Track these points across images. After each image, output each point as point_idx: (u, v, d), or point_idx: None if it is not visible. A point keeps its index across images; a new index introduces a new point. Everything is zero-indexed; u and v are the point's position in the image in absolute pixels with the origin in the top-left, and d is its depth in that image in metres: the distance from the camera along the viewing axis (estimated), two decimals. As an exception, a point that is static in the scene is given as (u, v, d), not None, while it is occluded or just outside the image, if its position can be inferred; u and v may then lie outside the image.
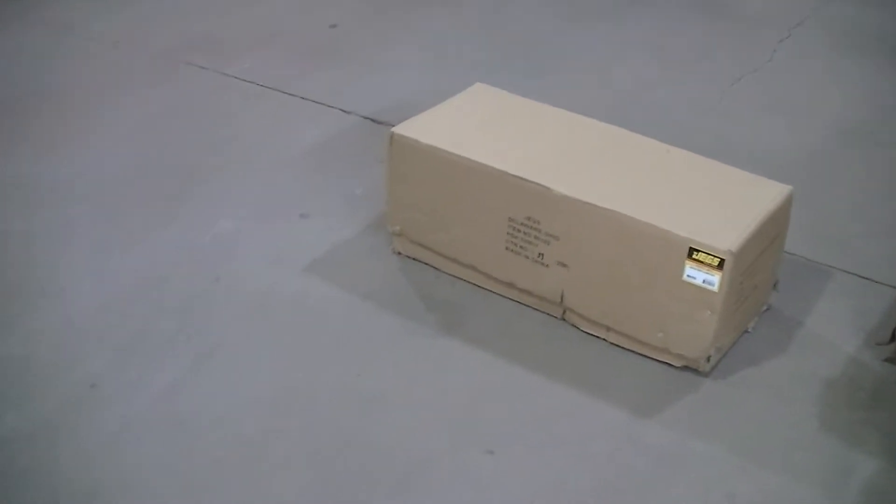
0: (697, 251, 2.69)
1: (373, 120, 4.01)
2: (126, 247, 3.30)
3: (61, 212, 3.48)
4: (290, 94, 4.19)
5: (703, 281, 2.70)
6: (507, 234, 2.97)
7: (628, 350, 2.94)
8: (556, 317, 3.04)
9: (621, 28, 4.96)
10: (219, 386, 2.81)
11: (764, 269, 2.93)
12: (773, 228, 2.89)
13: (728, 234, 2.70)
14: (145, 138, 3.89)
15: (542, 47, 4.71)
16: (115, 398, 2.76)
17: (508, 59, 4.58)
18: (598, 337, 2.98)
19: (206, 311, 3.05)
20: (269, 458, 2.61)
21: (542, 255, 2.93)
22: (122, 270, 3.20)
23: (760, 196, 2.88)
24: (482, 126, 3.16)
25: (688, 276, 2.72)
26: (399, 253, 3.26)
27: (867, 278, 3.28)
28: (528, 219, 2.91)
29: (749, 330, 3.04)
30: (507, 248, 2.99)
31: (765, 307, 3.10)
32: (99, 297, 3.10)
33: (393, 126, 3.17)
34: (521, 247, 2.96)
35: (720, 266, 2.67)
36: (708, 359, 2.83)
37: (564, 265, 2.91)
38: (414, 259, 3.24)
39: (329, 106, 4.11)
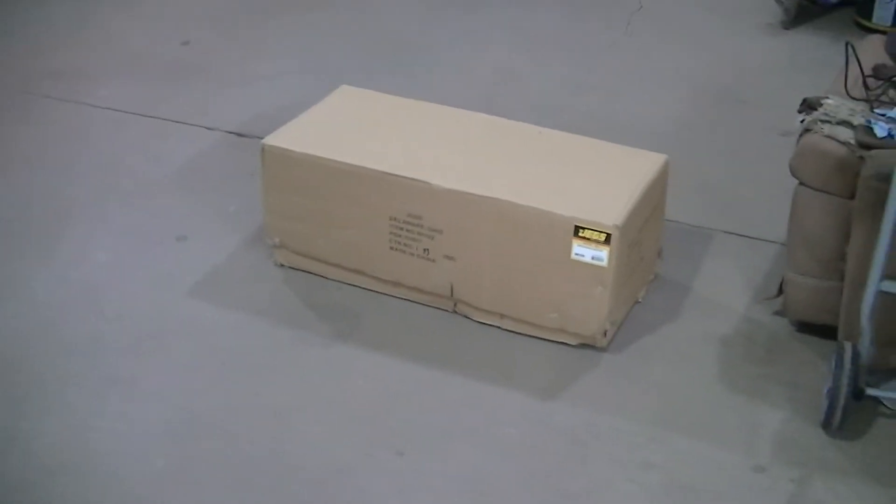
0: (583, 229, 2.70)
1: (238, 134, 3.95)
2: (2, 292, 3.20)
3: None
4: (151, 117, 4.10)
5: (592, 257, 2.71)
6: (391, 233, 2.94)
7: (524, 335, 2.93)
8: (447, 310, 3.02)
9: (483, 16, 4.97)
10: (122, 421, 2.73)
11: (648, 239, 2.95)
12: (654, 198, 2.91)
13: (611, 209, 2.71)
14: (9, 176, 3.76)
15: (406, 42, 4.70)
16: (12, 451, 2.66)
17: (373, 59, 4.55)
18: (492, 325, 2.97)
19: (97, 348, 2.96)
20: (184, 485, 2.55)
21: (428, 250, 2.91)
22: (2, 318, 3.10)
23: (638, 168, 2.90)
24: (353, 128, 3.13)
25: (576, 254, 2.73)
26: (282, 265, 3.21)
27: (748, 236, 3.34)
28: (410, 216, 2.89)
29: (640, 300, 3.06)
30: (391, 248, 2.96)
31: (652, 277, 3.12)
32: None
33: (259, 138, 3.13)
34: (405, 244, 2.94)
35: (607, 241, 2.68)
36: (604, 333, 2.84)
37: (451, 258, 2.90)
38: (298, 269, 3.19)
39: (192, 125, 4.03)
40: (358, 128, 3.13)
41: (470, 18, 4.95)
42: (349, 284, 3.13)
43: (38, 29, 4.88)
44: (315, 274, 3.17)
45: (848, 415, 2.56)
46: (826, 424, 2.60)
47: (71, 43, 4.74)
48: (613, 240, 2.68)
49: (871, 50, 3.11)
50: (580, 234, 2.70)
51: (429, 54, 4.59)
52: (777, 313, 2.98)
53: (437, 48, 4.65)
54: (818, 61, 4.41)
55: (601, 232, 2.68)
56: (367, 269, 3.06)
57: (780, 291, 2.93)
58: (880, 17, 4.67)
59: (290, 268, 3.20)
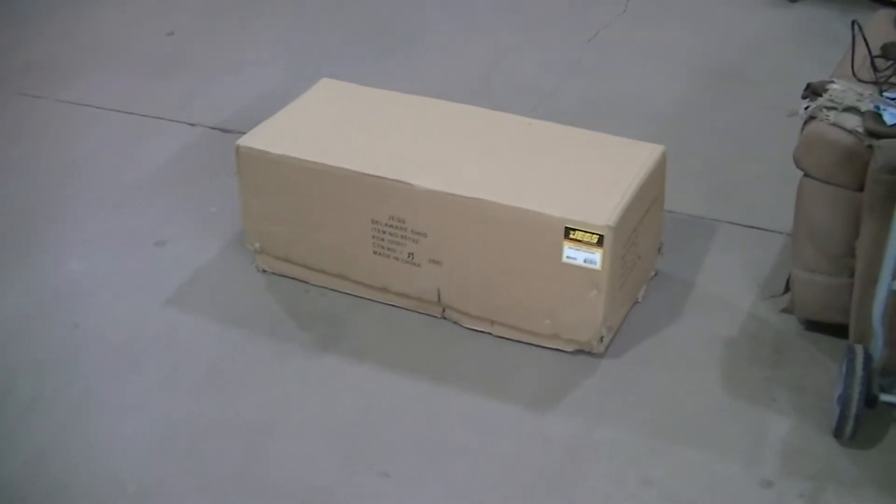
0: (574, 230, 2.53)
1: (221, 129, 3.79)
2: (-30, 302, 3.06)
3: None
4: (130, 113, 3.95)
5: (585, 260, 2.55)
6: (373, 237, 2.79)
7: (517, 341, 2.78)
8: (436, 316, 2.87)
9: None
10: (93, 440, 2.60)
11: (646, 235, 2.79)
12: (651, 192, 2.75)
13: (603, 208, 2.55)
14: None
15: (391, 28, 4.53)
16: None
17: (359, 43, 4.39)
18: (483, 332, 2.81)
19: (69, 362, 2.83)
20: (174, 490, 2.44)
21: (412, 254, 2.75)
22: (-31, 330, 2.97)
23: (632, 161, 2.74)
24: (333, 125, 2.97)
25: (567, 257, 2.57)
26: (264, 270, 3.06)
27: (752, 227, 3.18)
28: (392, 218, 2.73)
29: (639, 300, 2.90)
30: (375, 252, 2.81)
31: (652, 273, 2.96)
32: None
33: (243, 133, 2.98)
34: (389, 249, 2.79)
35: (600, 243, 2.52)
36: (601, 339, 2.68)
37: (437, 262, 2.74)
38: (280, 275, 3.04)
39: (174, 120, 3.88)
40: (338, 125, 2.97)
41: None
42: (333, 290, 2.98)
43: (9, 20, 4.73)
44: (298, 279, 3.02)
45: (861, 423, 2.40)
46: (838, 433, 2.44)
47: (46, 37, 4.59)
48: (606, 241, 2.52)
49: (881, 27, 2.94)
50: (571, 236, 2.54)
51: (416, 36, 4.43)
52: (784, 311, 2.82)
53: (424, 30, 4.48)
54: (826, 35, 4.23)
55: (593, 233, 2.52)
56: (351, 275, 2.91)
57: (788, 288, 2.77)
58: (891, -13, 4.48)
59: (273, 273, 3.05)
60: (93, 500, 2.45)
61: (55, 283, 3.11)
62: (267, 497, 2.43)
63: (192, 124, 3.85)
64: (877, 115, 2.50)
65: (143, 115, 3.93)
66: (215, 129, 3.81)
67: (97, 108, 4.00)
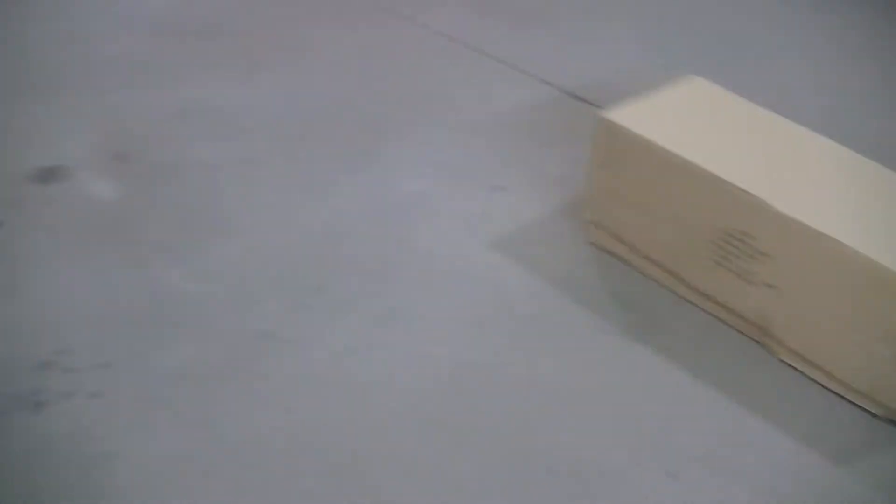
0: (925, 299, 2.49)
1: (573, 95, 3.84)
2: (308, 192, 3.20)
3: (244, 144, 3.39)
4: (486, 55, 4.02)
5: (927, 331, 2.50)
6: (716, 244, 2.79)
7: (824, 387, 2.74)
8: (751, 338, 2.86)
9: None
10: (396, 352, 2.71)
11: None
12: None
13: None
14: (338, 80, 3.77)
15: (740, 41, 4.47)
16: (288, 352, 2.68)
17: (712, 53, 4.31)
18: (794, 368, 2.79)
19: (387, 274, 2.94)
20: (448, 433, 2.51)
21: (750, 272, 2.75)
22: (303, 217, 3.11)
23: None
24: (696, 124, 2.97)
25: (909, 322, 2.52)
26: (593, 244, 3.10)
27: None
28: (741, 232, 2.73)
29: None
30: (711, 259, 2.82)
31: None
32: (277, 241, 3.01)
33: (595, 106, 3.01)
34: (728, 260, 2.78)
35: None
36: (917, 412, 2.63)
37: (772, 287, 2.73)
38: (608, 252, 3.08)
39: (526, 73, 3.94)
40: (701, 125, 2.96)
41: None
42: (656, 281, 3.00)
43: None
44: (623, 261, 3.05)
45: None
46: None
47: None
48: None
49: None
50: (919, 304, 2.49)
51: (765, 57, 4.35)
52: None
53: (775, 51, 4.40)
54: None
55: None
56: (681, 273, 2.92)
57: None
58: None
59: (601, 249, 3.09)
60: (385, 400, 2.56)
61: (389, 198, 3.23)
62: (550, 470, 2.47)
63: (545, 81, 3.89)
64: None
65: (496, 60, 3.99)
66: (566, 93, 3.85)
67: (454, 40, 4.08)
